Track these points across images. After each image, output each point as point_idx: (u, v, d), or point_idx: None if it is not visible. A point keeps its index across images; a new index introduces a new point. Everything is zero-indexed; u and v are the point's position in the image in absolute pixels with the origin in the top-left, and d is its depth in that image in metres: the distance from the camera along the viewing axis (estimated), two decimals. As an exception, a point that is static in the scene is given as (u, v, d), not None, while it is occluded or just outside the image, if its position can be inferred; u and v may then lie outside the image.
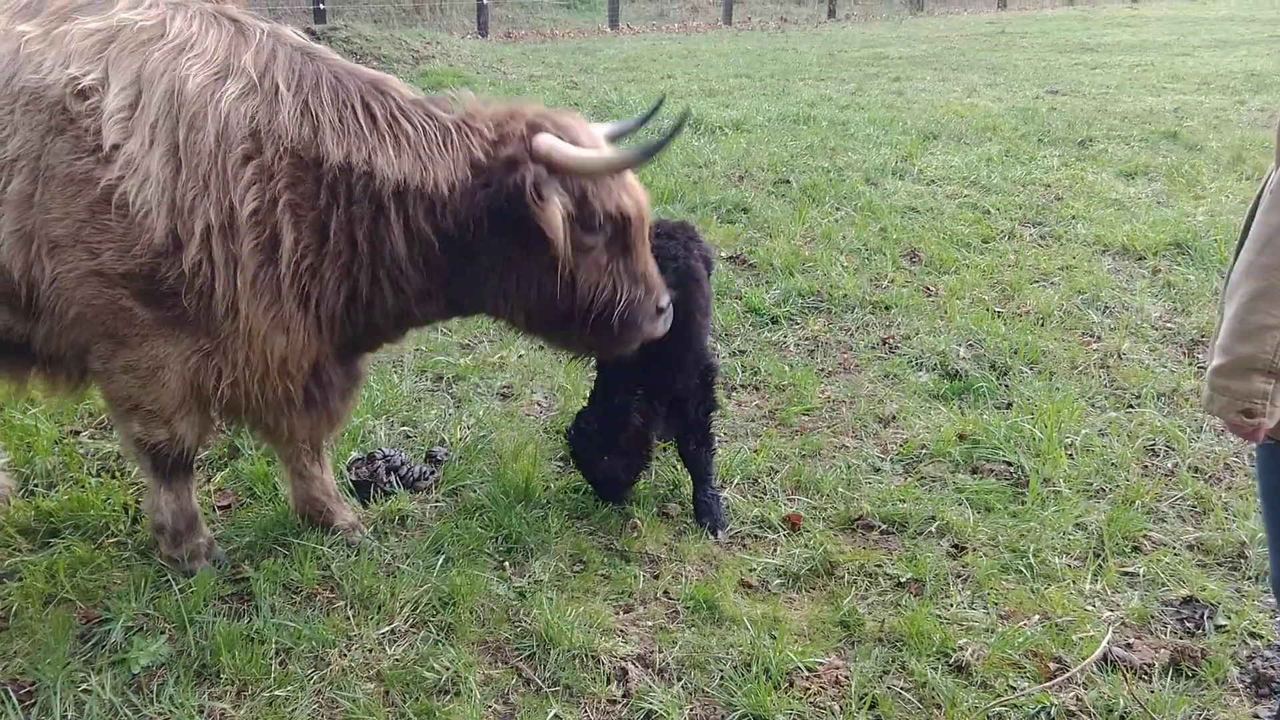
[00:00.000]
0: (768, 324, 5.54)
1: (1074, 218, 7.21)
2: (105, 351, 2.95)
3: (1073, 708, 2.89)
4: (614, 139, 3.15)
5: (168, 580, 3.28)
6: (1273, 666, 3.01)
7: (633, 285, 3.04)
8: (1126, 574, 3.47)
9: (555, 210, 2.82)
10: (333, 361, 3.16)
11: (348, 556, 3.43)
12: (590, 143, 2.96)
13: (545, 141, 2.85)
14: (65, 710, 2.81)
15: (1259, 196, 2.30)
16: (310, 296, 2.92)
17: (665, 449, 4.11)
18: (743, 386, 4.85)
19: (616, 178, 2.95)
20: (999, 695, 2.92)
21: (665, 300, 3.14)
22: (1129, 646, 3.12)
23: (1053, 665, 3.04)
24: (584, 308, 2.99)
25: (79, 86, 2.70)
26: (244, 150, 2.75)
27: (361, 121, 2.83)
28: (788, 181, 7.98)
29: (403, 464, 3.95)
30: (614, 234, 2.98)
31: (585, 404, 3.82)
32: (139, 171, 2.71)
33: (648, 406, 3.66)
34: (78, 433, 4.28)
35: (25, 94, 2.72)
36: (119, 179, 2.71)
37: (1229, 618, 3.23)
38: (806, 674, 2.99)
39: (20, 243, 2.80)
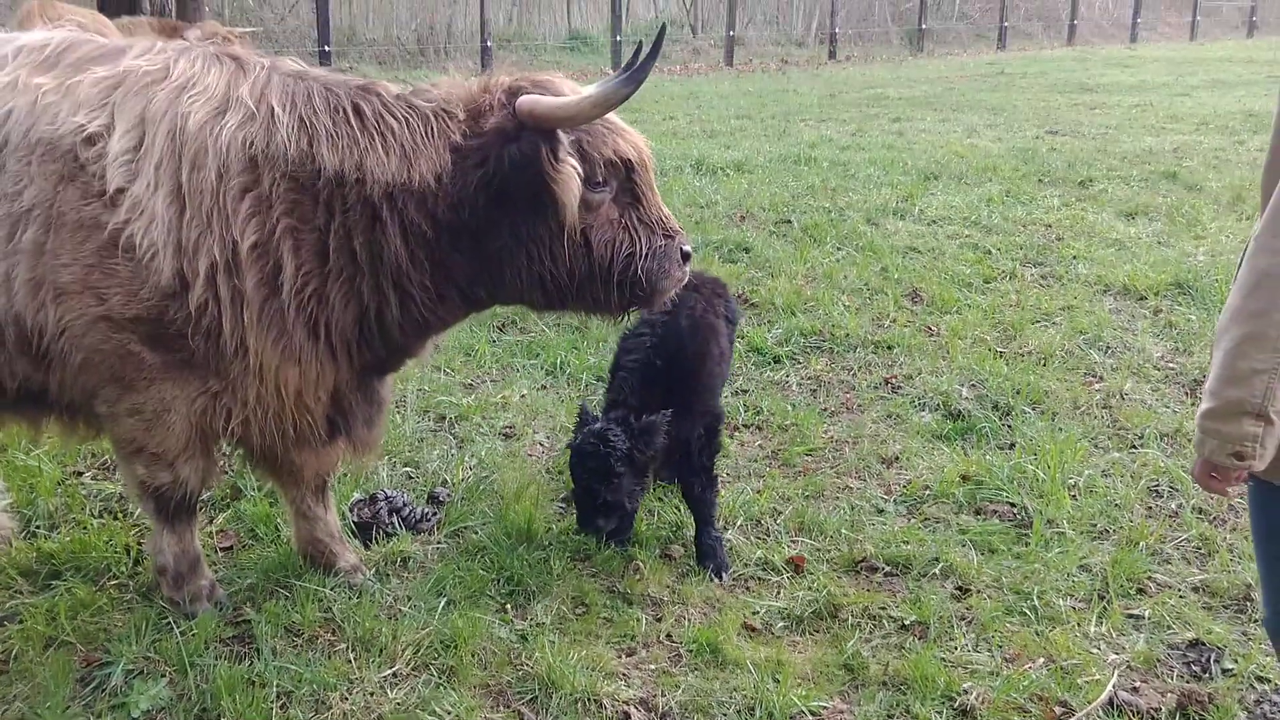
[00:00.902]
0: (770, 363, 5.55)
1: (1075, 258, 7.24)
2: (111, 395, 2.95)
3: (1079, 753, 2.87)
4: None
5: (169, 623, 3.27)
6: (1280, 711, 2.99)
7: (650, 235, 2.97)
8: (1132, 616, 3.45)
9: (572, 173, 2.78)
10: (353, 388, 3.13)
11: (350, 599, 3.42)
12: (572, 93, 2.88)
13: (527, 102, 2.80)
14: (64, 755, 2.79)
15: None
16: (319, 323, 2.92)
17: (669, 489, 4.11)
18: (745, 426, 4.85)
19: (610, 126, 2.90)
20: (1005, 740, 2.90)
21: (689, 245, 3.06)
22: (1135, 690, 3.10)
23: (1058, 709, 3.01)
24: (604, 267, 2.94)
25: (86, 133, 2.74)
26: (242, 183, 2.76)
27: (353, 123, 2.83)
28: (789, 222, 8.03)
29: (405, 505, 3.94)
30: (620, 185, 2.94)
31: (584, 424, 3.63)
32: (145, 214, 2.74)
33: (674, 429, 3.57)
34: (80, 474, 4.28)
35: (41, 145, 2.75)
36: (125, 222, 2.74)
37: (1236, 661, 3.21)
38: (810, 718, 2.97)
39: (32, 291, 2.83)
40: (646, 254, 2.96)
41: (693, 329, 3.76)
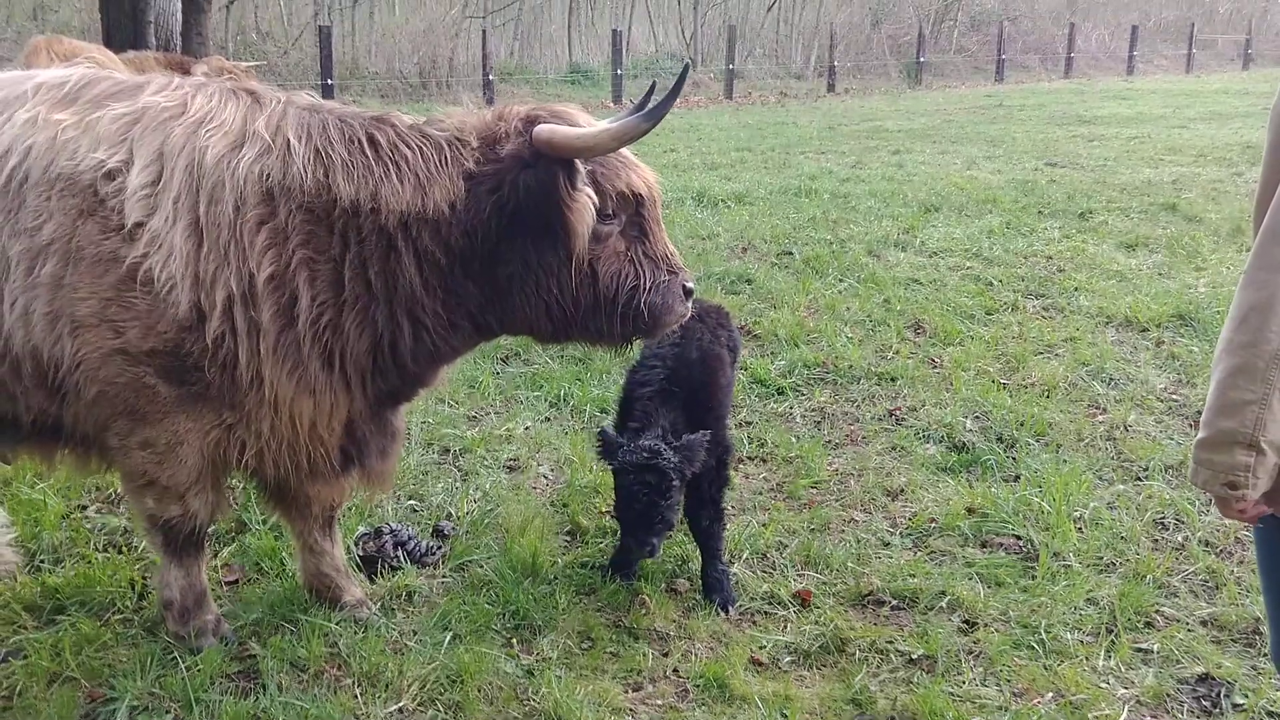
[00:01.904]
0: (774, 395, 5.56)
1: (1076, 289, 7.26)
2: (124, 428, 2.96)
3: (1090, 789, 2.85)
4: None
5: (174, 658, 3.25)
6: (1292, 746, 2.97)
7: (655, 269, 3.00)
8: (1140, 650, 3.44)
9: (587, 202, 2.81)
10: (367, 418, 3.13)
11: (355, 633, 3.40)
12: (588, 125, 2.91)
13: (545, 130, 2.81)
14: (69, 793, 2.77)
15: None
16: (334, 353, 2.92)
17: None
18: (750, 459, 4.85)
19: (623, 160, 2.93)
20: (1015, 776, 2.88)
21: (691, 282, 3.09)
22: (1145, 725, 3.08)
23: (1069, 745, 3.00)
24: (609, 298, 2.96)
25: (105, 168, 2.77)
26: (258, 215, 2.78)
27: (368, 153, 2.85)
28: (790, 253, 8.06)
29: (410, 539, 3.93)
30: (628, 218, 2.97)
31: (623, 438, 3.55)
32: (164, 247, 2.76)
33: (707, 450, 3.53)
34: (85, 507, 4.28)
35: (61, 180, 2.78)
36: (144, 256, 2.76)
37: (1246, 696, 3.20)
38: (819, 754, 2.95)
39: (50, 324, 2.84)
40: (650, 288, 2.99)
41: (702, 360, 3.77)
